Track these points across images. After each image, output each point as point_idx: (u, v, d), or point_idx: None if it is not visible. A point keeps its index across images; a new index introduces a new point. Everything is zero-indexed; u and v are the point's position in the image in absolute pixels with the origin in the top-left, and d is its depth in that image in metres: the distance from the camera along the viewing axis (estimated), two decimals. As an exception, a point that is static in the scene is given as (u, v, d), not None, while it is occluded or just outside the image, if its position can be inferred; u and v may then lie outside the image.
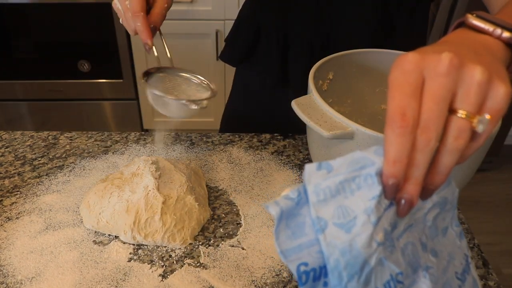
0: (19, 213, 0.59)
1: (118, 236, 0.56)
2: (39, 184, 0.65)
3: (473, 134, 0.30)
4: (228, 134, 0.78)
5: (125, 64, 1.87)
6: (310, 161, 0.70)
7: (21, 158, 0.70)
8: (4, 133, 0.77)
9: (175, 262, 0.53)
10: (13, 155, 0.71)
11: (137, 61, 1.86)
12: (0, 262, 0.52)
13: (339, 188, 0.29)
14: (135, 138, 0.76)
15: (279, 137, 0.77)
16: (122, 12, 0.57)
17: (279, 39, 0.77)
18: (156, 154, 0.72)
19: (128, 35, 1.80)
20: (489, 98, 0.30)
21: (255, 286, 0.50)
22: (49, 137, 0.76)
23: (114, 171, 0.67)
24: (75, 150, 0.73)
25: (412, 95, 0.29)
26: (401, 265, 0.31)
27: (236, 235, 0.57)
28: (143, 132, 0.77)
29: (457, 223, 0.37)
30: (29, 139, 0.75)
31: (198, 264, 0.53)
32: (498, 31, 0.36)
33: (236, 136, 0.77)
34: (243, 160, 0.71)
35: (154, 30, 0.57)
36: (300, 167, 0.69)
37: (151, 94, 0.55)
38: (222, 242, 0.56)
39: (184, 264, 0.53)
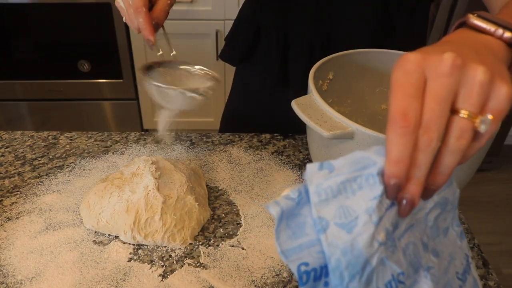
0: (19, 213, 0.59)
1: (118, 236, 0.56)
2: (39, 184, 0.65)
3: (475, 134, 0.30)
4: (228, 134, 0.77)
5: (125, 64, 1.87)
6: (310, 161, 0.70)
7: (21, 158, 0.70)
8: (4, 133, 0.77)
9: (175, 262, 0.53)
10: (13, 155, 0.71)
11: (137, 61, 1.86)
12: (0, 262, 0.52)
13: (341, 188, 0.29)
14: (135, 138, 0.76)
15: (279, 137, 0.77)
16: (125, 10, 0.56)
17: (279, 39, 0.77)
18: (156, 154, 0.72)
19: (128, 35, 1.80)
20: (491, 99, 0.30)
21: (255, 286, 0.50)
22: (49, 137, 0.76)
23: (114, 171, 0.66)
24: (75, 150, 0.72)
25: (414, 95, 0.28)
26: (402, 265, 0.31)
27: (236, 235, 0.57)
28: (143, 132, 0.77)
29: (458, 223, 0.37)
30: (29, 139, 0.75)
31: (198, 264, 0.53)
32: (500, 31, 0.36)
33: (236, 136, 0.77)
34: (243, 160, 0.71)
35: (156, 26, 0.57)
36: (300, 167, 0.69)
37: (153, 87, 0.53)
38: (222, 242, 0.56)
39: (184, 264, 0.53)
